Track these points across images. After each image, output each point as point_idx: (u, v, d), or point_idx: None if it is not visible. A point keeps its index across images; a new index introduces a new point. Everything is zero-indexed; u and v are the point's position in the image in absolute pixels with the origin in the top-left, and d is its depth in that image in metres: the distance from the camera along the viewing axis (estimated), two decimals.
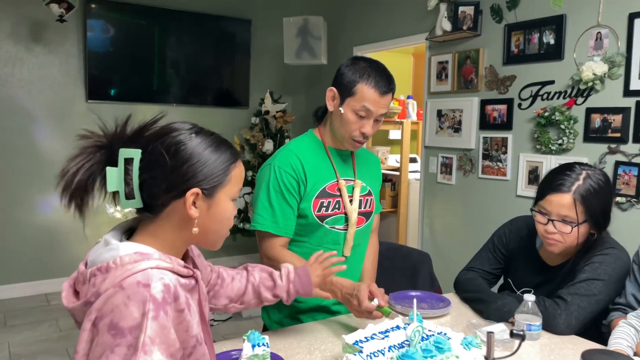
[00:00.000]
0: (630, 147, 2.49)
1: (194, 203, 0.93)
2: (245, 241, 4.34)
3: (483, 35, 3.18)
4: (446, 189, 3.52)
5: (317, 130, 1.72)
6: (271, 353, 1.21)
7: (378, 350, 1.17)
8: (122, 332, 0.80)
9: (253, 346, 1.18)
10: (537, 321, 1.42)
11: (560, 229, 1.51)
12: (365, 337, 1.23)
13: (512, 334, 1.34)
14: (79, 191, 0.89)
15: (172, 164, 0.91)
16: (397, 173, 4.61)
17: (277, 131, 4.33)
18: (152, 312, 0.82)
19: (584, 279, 1.50)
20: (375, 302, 1.38)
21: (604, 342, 1.42)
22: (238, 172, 0.99)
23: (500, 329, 1.41)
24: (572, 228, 1.49)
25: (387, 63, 1.61)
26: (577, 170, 1.52)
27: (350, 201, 1.66)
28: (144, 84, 4.36)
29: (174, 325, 0.86)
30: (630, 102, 2.48)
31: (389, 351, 1.17)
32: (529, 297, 1.43)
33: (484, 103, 3.19)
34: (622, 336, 1.36)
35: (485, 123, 3.20)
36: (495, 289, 1.79)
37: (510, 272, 1.76)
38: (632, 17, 2.45)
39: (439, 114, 3.51)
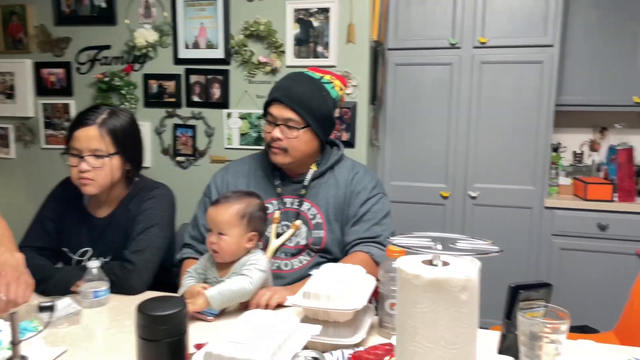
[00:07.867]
0: (184, 111, 2.77)
1: None
2: None
3: None
4: (5, 163, 3.06)
5: None
6: None
7: None
8: None
9: None
10: (104, 286, 1.41)
11: (93, 164, 1.52)
12: None
13: (41, 309, 1.24)
14: None
15: None
16: None
17: None
18: None
19: (141, 230, 1.55)
20: None
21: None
22: None
23: (66, 304, 1.33)
24: (104, 159, 1.53)
25: None
26: (103, 108, 1.59)
27: None
28: None
29: None
30: (180, 70, 2.73)
31: None
32: (93, 264, 1.40)
33: (38, 66, 2.90)
34: (190, 277, 1.47)
35: (43, 88, 2.92)
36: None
37: (64, 240, 1.65)
38: None
39: None
